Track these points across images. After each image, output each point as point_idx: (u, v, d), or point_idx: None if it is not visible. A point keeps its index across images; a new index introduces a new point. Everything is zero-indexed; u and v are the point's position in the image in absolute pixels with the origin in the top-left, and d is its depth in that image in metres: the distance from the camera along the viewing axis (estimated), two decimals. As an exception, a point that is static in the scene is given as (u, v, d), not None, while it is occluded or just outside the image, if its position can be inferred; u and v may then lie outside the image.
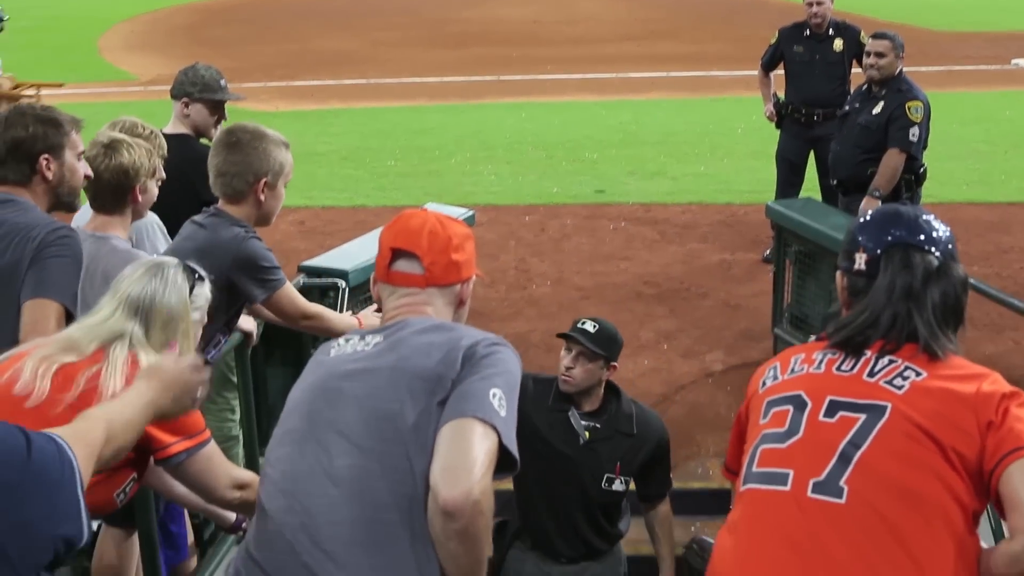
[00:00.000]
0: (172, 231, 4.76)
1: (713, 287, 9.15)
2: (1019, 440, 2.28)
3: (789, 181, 9.34)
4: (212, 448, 3.08)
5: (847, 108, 7.82)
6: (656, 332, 8.34)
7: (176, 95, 5.67)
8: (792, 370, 2.56)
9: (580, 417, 4.47)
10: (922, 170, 7.53)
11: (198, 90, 5.60)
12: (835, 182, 7.89)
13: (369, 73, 20.73)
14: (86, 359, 2.94)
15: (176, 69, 5.91)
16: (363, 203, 12.12)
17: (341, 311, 6.09)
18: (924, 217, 2.65)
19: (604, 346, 4.39)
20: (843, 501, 2.28)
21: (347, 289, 6.18)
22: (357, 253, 6.79)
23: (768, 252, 9.12)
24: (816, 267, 7.16)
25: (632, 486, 4.59)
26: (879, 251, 2.58)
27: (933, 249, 2.57)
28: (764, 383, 2.61)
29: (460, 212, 7.89)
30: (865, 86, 7.70)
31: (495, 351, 2.41)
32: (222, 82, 5.69)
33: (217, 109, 5.61)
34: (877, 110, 7.44)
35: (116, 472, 2.95)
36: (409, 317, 2.54)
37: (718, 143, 14.61)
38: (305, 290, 6.21)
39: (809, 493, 2.31)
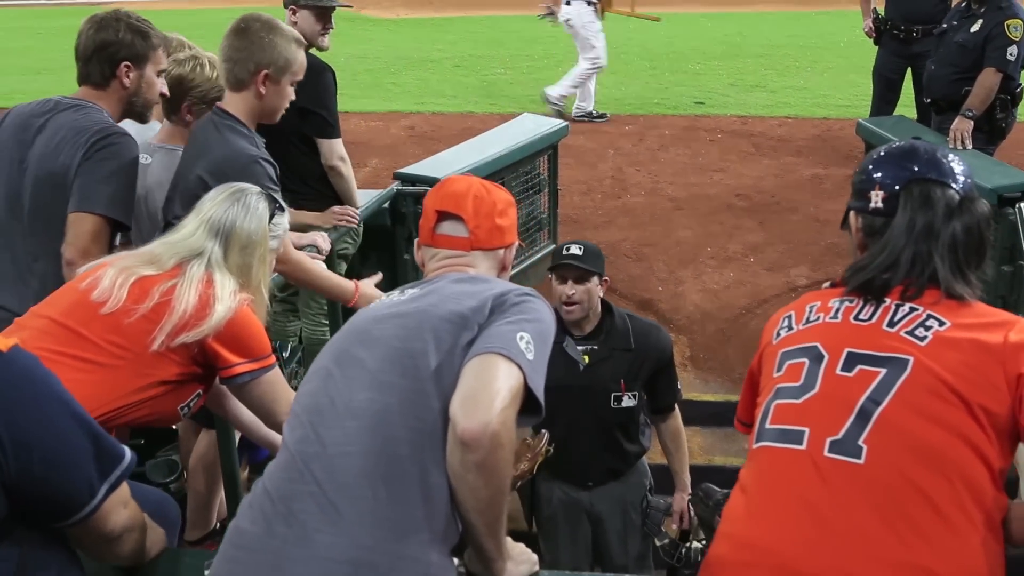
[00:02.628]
0: (270, 136, 4.60)
1: (803, 201, 8.75)
2: None
3: (885, 98, 8.81)
4: (276, 374, 2.98)
5: (944, 26, 7.27)
6: (744, 244, 8.00)
7: (286, 2, 5.41)
8: (807, 319, 2.28)
9: (577, 342, 4.26)
10: (1018, 90, 6.96)
11: None
12: (929, 100, 7.39)
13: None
14: (164, 273, 2.87)
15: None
16: (471, 110, 11.90)
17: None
18: (941, 152, 2.35)
19: (595, 263, 4.20)
20: (862, 461, 2.02)
21: (440, 197, 5.98)
22: (451, 161, 6.60)
23: (860, 168, 8.67)
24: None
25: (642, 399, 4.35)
26: (897, 187, 2.28)
27: (953, 184, 2.27)
28: (778, 333, 2.33)
29: (555, 123, 7.65)
30: (964, 3, 7.12)
31: (526, 300, 2.24)
32: None
33: (323, 17, 5.29)
34: (975, 28, 6.89)
35: (183, 386, 2.89)
36: (449, 273, 2.41)
37: (819, 57, 14.00)
38: (399, 197, 6.07)
39: (826, 452, 2.05)
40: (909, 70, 8.60)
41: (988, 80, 6.78)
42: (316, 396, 2.18)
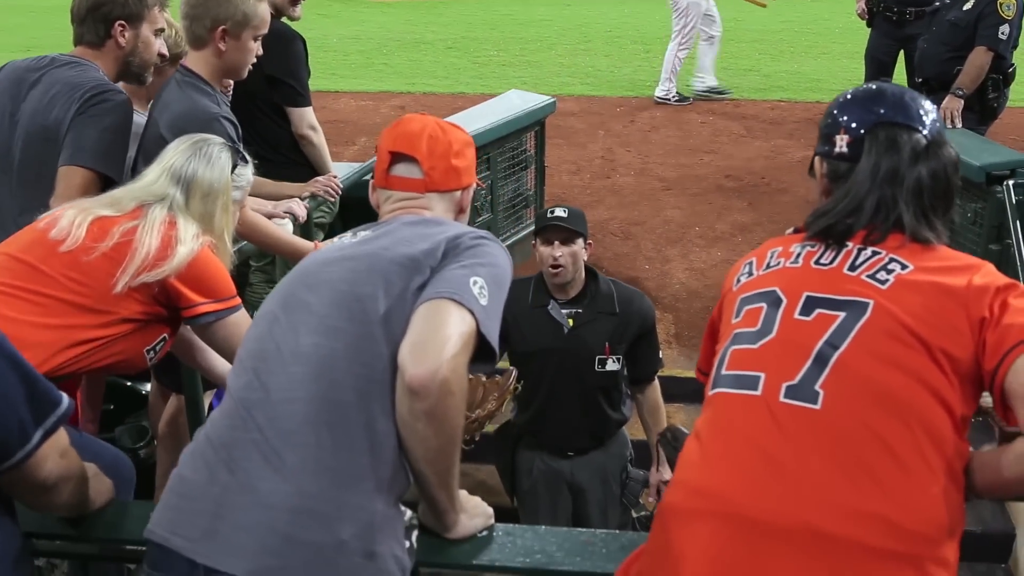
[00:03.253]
0: (240, 104, 4.52)
1: (793, 183, 8.68)
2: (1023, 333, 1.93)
3: (876, 80, 8.74)
4: (242, 315, 2.96)
5: (937, 4, 7.21)
6: (732, 225, 7.96)
7: None
8: (768, 265, 2.21)
9: (561, 307, 4.26)
10: (1011, 70, 6.90)
11: None
12: (920, 80, 7.32)
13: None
14: (124, 215, 2.87)
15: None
16: (462, 90, 11.82)
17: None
18: (909, 95, 2.28)
19: (579, 224, 4.19)
20: (818, 407, 1.95)
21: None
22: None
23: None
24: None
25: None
26: (862, 131, 2.20)
27: (920, 127, 2.19)
28: (739, 280, 2.26)
29: (542, 99, 7.57)
30: (958, -19, 7.07)
31: (481, 243, 2.17)
32: None
33: None
34: (968, 6, 6.81)
35: (147, 326, 2.88)
36: (402, 215, 2.33)
37: (814, 42, 13.95)
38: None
39: (781, 398, 1.98)
40: (901, 52, 8.55)
41: (979, 59, 6.71)
42: (261, 341, 2.12)
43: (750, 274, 2.22)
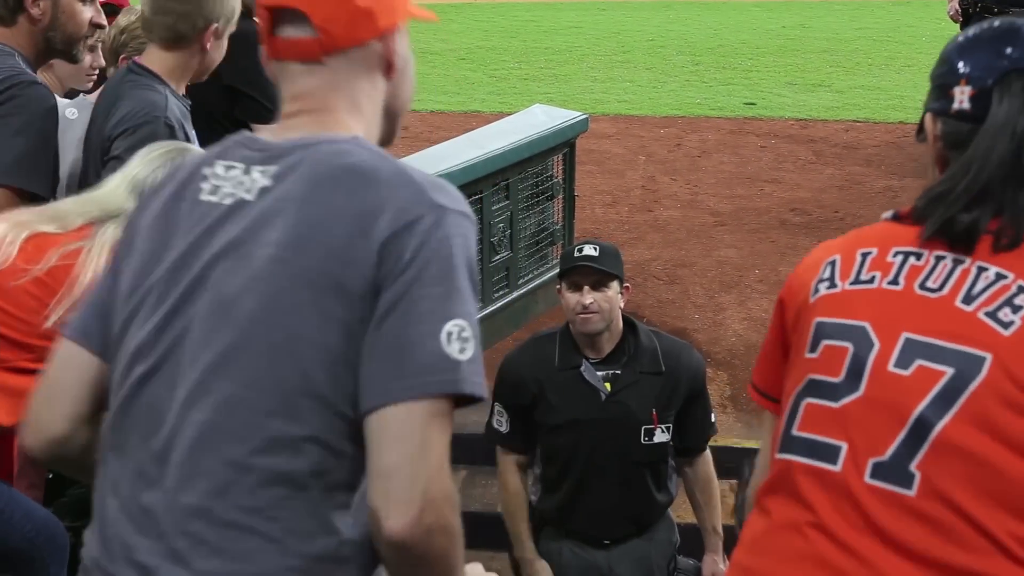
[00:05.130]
0: (197, 120, 4.50)
1: (873, 218, 8.30)
2: None
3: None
4: None
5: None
6: (799, 267, 7.92)
7: None
8: (857, 277, 1.99)
9: (595, 367, 4.15)
10: None
11: None
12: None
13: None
14: (68, 233, 2.84)
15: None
16: (476, 109, 11.87)
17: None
18: None
19: (613, 264, 4.11)
20: (912, 493, 1.80)
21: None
22: (443, 157, 6.49)
23: (942, 178, 8.58)
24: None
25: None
26: (991, 81, 1.98)
27: None
28: (816, 288, 2.03)
29: (572, 115, 7.56)
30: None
31: (442, 233, 1.75)
32: None
33: None
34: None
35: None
36: (311, 133, 1.91)
37: (896, 52, 13.96)
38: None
39: (867, 478, 1.83)
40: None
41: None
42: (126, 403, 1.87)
43: (832, 284, 2.02)
